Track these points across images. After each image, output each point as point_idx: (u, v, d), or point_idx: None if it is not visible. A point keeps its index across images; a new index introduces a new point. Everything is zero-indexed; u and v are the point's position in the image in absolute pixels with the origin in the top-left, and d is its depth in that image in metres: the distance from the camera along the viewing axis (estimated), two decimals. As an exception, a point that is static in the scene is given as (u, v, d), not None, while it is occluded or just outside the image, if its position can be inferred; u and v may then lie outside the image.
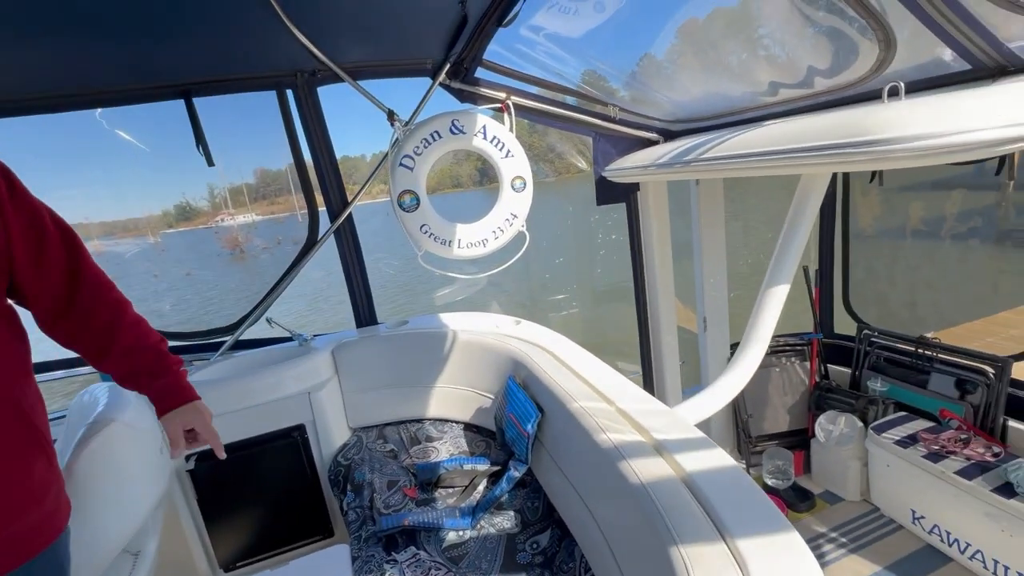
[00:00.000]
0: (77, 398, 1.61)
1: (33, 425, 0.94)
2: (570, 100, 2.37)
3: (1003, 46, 1.21)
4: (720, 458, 1.08)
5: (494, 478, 1.84)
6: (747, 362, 1.81)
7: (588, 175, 2.68)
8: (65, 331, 1.08)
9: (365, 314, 2.40)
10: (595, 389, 1.49)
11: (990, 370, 2.22)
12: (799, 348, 3.18)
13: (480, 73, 2.18)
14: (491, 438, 2.09)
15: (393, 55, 2.11)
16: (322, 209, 2.28)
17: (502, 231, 2.29)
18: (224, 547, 2.05)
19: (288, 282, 2.23)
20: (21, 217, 0.96)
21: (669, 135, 2.40)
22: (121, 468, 1.35)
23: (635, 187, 2.57)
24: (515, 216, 2.29)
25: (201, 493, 1.96)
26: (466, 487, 1.79)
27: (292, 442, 2.07)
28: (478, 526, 1.60)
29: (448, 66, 2.11)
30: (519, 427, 1.58)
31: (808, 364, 3.16)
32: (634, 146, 2.47)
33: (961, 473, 1.96)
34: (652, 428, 1.24)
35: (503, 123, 2.21)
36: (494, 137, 2.18)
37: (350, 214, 2.25)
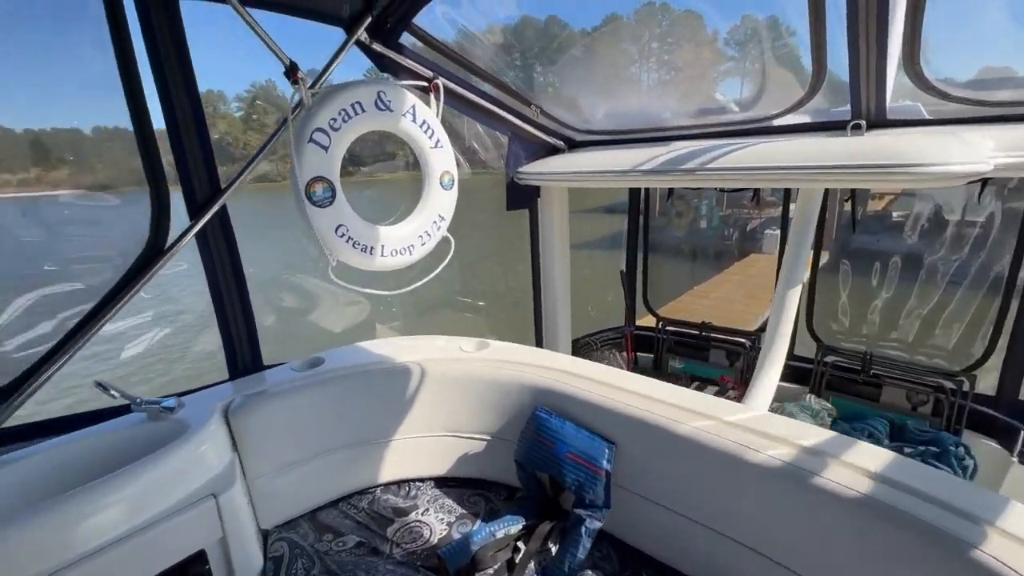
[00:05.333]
0: None
1: None
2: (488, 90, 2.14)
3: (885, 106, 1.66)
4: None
5: (530, 536, 1.48)
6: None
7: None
8: None
9: (245, 356, 1.61)
10: (671, 404, 1.37)
11: (746, 341, 3.12)
12: (616, 340, 3.86)
13: (406, 41, 1.77)
14: (485, 489, 1.71)
15: None
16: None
17: (429, 236, 1.89)
18: None
19: (110, 316, 1.30)
20: None
21: (572, 144, 2.43)
22: None
23: (536, 193, 2.51)
24: (442, 218, 1.93)
25: None
26: (510, 560, 1.40)
27: None
28: None
29: (369, 19, 1.63)
30: (589, 466, 1.30)
31: (625, 353, 3.87)
32: (540, 152, 2.41)
33: None
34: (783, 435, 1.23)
35: (429, 107, 1.84)
36: (424, 122, 1.79)
37: (224, 207, 1.48)
